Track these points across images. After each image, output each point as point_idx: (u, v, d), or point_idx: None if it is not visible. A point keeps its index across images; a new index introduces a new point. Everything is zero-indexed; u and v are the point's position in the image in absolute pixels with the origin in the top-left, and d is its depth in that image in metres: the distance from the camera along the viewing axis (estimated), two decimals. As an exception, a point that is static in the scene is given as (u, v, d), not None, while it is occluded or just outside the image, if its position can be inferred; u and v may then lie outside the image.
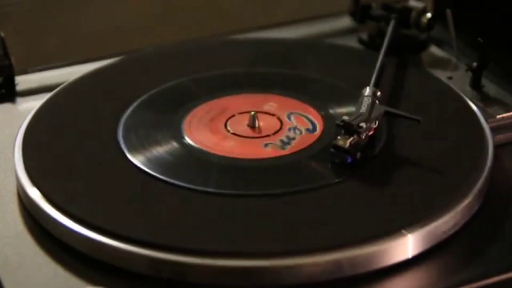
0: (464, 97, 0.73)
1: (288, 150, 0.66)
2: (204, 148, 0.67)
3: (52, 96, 0.75)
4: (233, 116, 0.71)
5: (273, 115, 0.71)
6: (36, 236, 0.61)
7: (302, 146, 0.67)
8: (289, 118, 0.70)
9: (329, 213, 0.60)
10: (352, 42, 0.87)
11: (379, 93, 0.69)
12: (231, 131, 0.69)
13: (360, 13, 0.86)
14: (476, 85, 0.77)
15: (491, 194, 0.64)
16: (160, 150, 0.66)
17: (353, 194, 0.62)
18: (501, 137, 0.70)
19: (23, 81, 0.81)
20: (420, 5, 0.83)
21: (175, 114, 0.71)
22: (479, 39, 0.75)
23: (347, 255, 0.56)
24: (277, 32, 0.90)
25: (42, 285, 0.57)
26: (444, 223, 0.59)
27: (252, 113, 0.70)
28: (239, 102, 0.73)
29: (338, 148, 0.64)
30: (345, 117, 0.65)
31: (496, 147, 0.68)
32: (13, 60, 0.79)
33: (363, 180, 0.63)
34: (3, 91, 0.80)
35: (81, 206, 0.61)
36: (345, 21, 0.90)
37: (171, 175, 0.63)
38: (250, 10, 1.05)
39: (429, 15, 0.83)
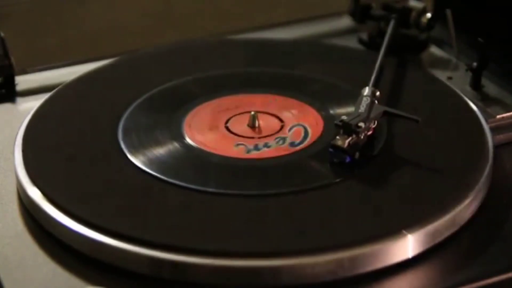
0: (464, 97, 0.73)
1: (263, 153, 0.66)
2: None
3: (51, 96, 0.75)
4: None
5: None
6: (36, 236, 0.61)
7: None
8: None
9: (329, 213, 0.60)
10: (352, 42, 0.87)
11: (378, 93, 0.69)
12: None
13: (360, 13, 0.86)
14: (476, 85, 0.77)
15: (491, 194, 0.64)
16: (160, 150, 0.66)
17: (353, 194, 0.62)
18: (501, 137, 0.70)
19: (23, 81, 0.81)
20: (420, 5, 0.83)
21: (175, 114, 0.71)
22: (479, 39, 0.75)
23: (347, 255, 0.56)
24: (277, 32, 0.90)
25: (42, 285, 0.57)
26: (444, 223, 0.59)
27: (252, 113, 0.70)
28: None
29: (337, 148, 0.64)
30: (344, 117, 0.65)
31: (496, 147, 0.68)
32: (13, 60, 0.79)
33: (363, 180, 0.63)
34: (3, 91, 0.80)
35: (81, 206, 0.60)
36: (345, 21, 0.90)
37: (171, 175, 0.63)
38: (250, 10, 1.05)
39: (429, 15, 0.83)
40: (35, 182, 0.63)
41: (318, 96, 0.74)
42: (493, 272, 0.58)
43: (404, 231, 0.58)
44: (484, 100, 0.75)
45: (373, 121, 0.66)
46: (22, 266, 0.58)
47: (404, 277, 0.57)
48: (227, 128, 0.70)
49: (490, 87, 0.77)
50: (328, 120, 0.70)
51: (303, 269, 0.56)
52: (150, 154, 0.66)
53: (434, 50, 0.85)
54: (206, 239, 0.58)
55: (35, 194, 0.62)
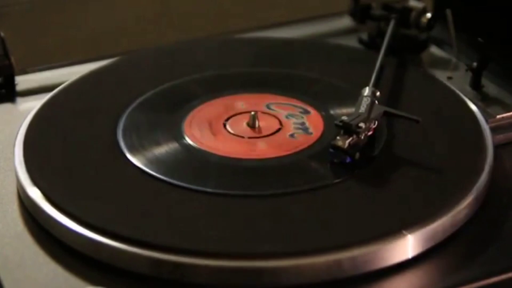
0: (464, 97, 0.73)
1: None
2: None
3: (52, 96, 0.75)
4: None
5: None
6: (36, 236, 0.61)
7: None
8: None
9: (329, 213, 0.60)
10: (352, 42, 0.87)
11: (378, 93, 0.69)
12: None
13: (360, 13, 0.86)
14: (476, 85, 0.77)
15: (491, 194, 0.64)
16: (160, 150, 0.66)
17: (353, 194, 0.62)
18: (501, 137, 0.70)
19: (23, 81, 0.81)
20: (420, 5, 0.83)
21: (175, 114, 0.71)
22: (479, 39, 0.75)
23: (347, 255, 0.56)
24: (277, 32, 0.90)
25: (42, 285, 0.57)
26: (444, 224, 0.59)
27: (252, 113, 0.70)
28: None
29: (337, 148, 0.64)
30: (344, 117, 0.65)
31: (496, 147, 0.68)
32: (13, 60, 0.79)
33: (363, 180, 0.63)
34: (3, 91, 0.80)
35: (81, 206, 0.61)
36: (345, 21, 0.90)
37: (171, 175, 0.63)
38: (250, 10, 1.05)
39: (429, 15, 0.83)
40: (35, 182, 0.63)
41: (318, 96, 0.74)
42: (493, 272, 0.58)
43: (404, 231, 0.58)
44: (484, 100, 0.75)
45: (373, 121, 0.66)
46: (22, 266, 0.58)
47: (404, 277, 0.57)
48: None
49: (490, 87, 0.77)
50: (328, 120, 0.70)
51: (303, 269, 0.56)
52: (150, 154, 0.66)
53: (434, 50, 0.85)
54: (206, 239, 0.58)
55: (35, 194, 0.62)
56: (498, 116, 0.72)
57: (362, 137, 0.65)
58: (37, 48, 0.98)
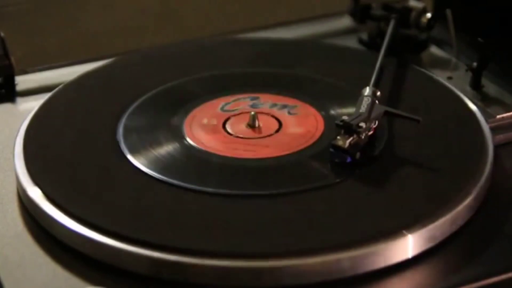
0: (464, 97, 0.73)
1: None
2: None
3: (52, 96, 0.75)
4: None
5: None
6: (36, 236, 0.61)
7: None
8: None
9: (329, 213, 0.60)
10: (352, 42, 0.87)
11: (378, 93, 0.69)
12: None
13: (360, 13, 0.86)
14: (476, 85, 0.77)
15: (491, 194, 0.64)
16: (160, 151, 0.66)
17: (353, 194, 0.62)
18: (501, 137, 0.70)
19: (23, 81, 0.81)
20: (420, 5, 0.83)
21: (175, 114, 0.71)
22: (479, 39, 0.75)
23: (347, 255, 0.56)
24: (277, 32, 0.90)
25: (42, 285, 0.57)
26: (444, 223, 0.59)
27: (252, 113, 0.70)
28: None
29: (338, 148, 0.64)
30: (345, 117, 0.65)
31: (496, 147, 0.68)
32: (13, 60, 0.79)
33: (363, 180, 0.63)
34: (3, 91, 0.80)
35: (81, 206, 0.61)
36: (345, 21, 0.90)
37: (171, 175, 0.63)
38: (250, 10, 1.05)
39: (429, 15, 0.83)
40: (35, 182, 0.63)
41: (318, 96, 0.74)
42: (493, 272, 0.58)
43: (404, 231, 0.58)
44: (484, 100, 0.75)
45: (374, 121, 0.66)
46: (22, 266, 0.58)
47: (404, 277, 0.57)
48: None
49: (490, 87, 0.77)
50: (329, 120, 0.70)
51: (303, 269, 0.56)
52: (150, 155, 0.66)
53: (434, 50, 0.85)
54: (206, 239, 0.58)
55: (35, 194, 0.62)
56: (498, 116, 0.72)
57: (363, 137, 0.65)
58: (37, 48, 0.98)
